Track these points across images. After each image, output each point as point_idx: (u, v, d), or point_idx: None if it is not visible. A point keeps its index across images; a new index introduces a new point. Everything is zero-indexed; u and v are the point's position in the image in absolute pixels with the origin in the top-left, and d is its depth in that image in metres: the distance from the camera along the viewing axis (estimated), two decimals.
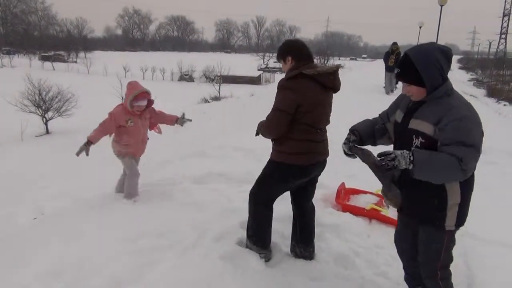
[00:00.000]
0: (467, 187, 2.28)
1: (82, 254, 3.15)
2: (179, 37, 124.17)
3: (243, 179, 4.91)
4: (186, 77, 46.56)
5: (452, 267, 3.18)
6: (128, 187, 4.33)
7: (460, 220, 2.34)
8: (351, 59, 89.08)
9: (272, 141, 3.02)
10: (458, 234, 3.73)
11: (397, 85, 14.90)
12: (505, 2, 65.67)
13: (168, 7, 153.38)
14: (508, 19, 66.34)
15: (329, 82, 2.88)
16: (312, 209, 3.33)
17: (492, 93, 28.09)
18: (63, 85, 16.73)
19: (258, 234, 3.19)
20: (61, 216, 4.10)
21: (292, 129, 2.85)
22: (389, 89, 14.78)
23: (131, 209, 4.09)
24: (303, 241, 3.29)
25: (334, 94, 3.05)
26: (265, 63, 64.49)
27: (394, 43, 14.80)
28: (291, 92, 2.77)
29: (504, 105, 23.01)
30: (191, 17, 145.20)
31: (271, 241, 3.30)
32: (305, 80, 2.78)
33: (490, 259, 3.40)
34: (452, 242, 2.43)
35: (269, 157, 3.09)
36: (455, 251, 3.44)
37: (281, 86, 2.83)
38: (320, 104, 2.88)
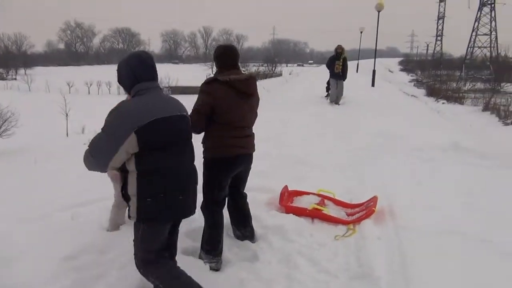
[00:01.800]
0: (144, 180, 2.42)
1: (18, 280, 3.04)
2: (124, 50, 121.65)
3: None
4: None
5: (388, 258, 3.36)
6: (116, 216, 4.00)
7: (142, 213, 2.43)
8: (298, 65, 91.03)
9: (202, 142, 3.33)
10: (394, 226, 3.95)
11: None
12: (439, 6, 69.50)
13: (112, 19, 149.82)
14: (443, 22, 70.18)
15: (242, 88, 3.21)
16: (245, 196, 3.73)
17: (431, 92, 29.55)
18: (1, 104, 15.96)
19: (210, 244, 3.36)
20: None
21: (214, 127, 3.21)
22: (334, 98, 13.45)
23: (70, 226, 3.98)
24: (242, 223, 3.70)
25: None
26: (213, 72, 64.46)
27: (339, 46, 13.20)
28: (206, 95, 3.15)
29: (443, 103, 24.26)
30: (136, 29, 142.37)
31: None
32: (219, 85, 3.15)
33: (425, 248, 3.57)
34: (148, 234, 2.53)
35: (203, 159, 3.36)
36: (391, 244, 3.65)
37: (200, 89, 3.21)
38: (237, 106, 3.21)
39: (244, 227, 3.71)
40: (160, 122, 2.43)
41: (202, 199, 3.35)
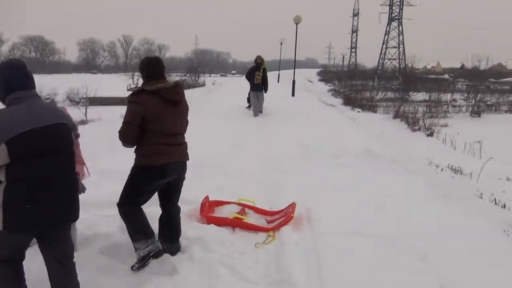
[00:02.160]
0: (10, 191, 2.41)
1: None
2: (37, 58, 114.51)
3: (104, 203, 4.73)
4: (48, 101, 43.08)
5: (305, 263, 3.50)
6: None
7: (8, 223, 2.45)
8: (222, 75, 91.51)
9: (134, 151, 3.38)
10: (311, 231, 4.12)
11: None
12: (353, 20, 73.73)
13: (22, 26, 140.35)
14: (356, 35, 74.49)
15: (169, 96, 3.28)
16: (178, 210, 3.73)
17: (348, 101, 31.21)
18: None
19: (140, 231, 3.42)
20: None
21: (144, 136, 3.25)
22: (256, 112, 13.06)
23: None
24: (170, 237, 3.65)
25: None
26: (134, 82, 62.81)
27: (259, 57, 12.82)
28: (135, 106, 3.19)
29: (358, 111, 25.70)
30: (50, 37, 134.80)
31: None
32: (146, 95, 3.20)
33: (339, 251, 3.76)
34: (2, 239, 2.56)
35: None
36: (308, 248, 3.80)
37: (128, 101, 3.24)
38: (167, 114, 3.27)
39: (171, 243, 3.66)
40: (32, 132, 2.39)
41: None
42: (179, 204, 3.83)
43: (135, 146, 3.36)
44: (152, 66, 3.36)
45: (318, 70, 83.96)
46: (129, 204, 3.42)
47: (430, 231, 4.22)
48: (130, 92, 3.41)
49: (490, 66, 57.37)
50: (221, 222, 4.31)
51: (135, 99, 3.21)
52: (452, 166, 11.12)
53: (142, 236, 3.40)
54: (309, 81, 53.56)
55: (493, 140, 20.06)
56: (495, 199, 8.47)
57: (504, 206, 8.07)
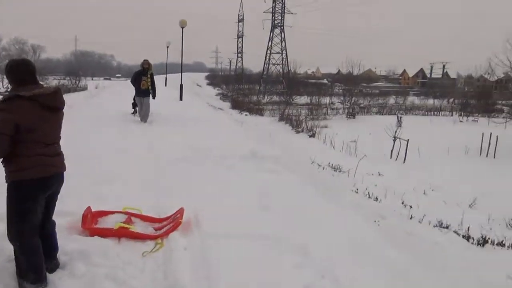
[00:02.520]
0: None
1: None
2: None
3: None
4: None
5: (194, 267, 3.49)
6: None
7: None
8: (105, 78, 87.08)
9: (2, 163, 3.04)
10: (199, 235, 4.13)
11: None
12: (238, 26, 75.55)
13: None
14: (242, 41, 76.46)
15: (49, 102, 3.05)
16: (53, 224, 3.52)
17: (236, 105, 31.94)
18: None
19: (35, 270, 3.12)
20: None
21: (20, 147, 2.95)
22: (143, 117, 12.53)
23: None
24: (48, 254, 3.35)
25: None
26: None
27: (146, 61, 12.37)
28: (7, 114, 2.86)
29: (246, 115, 26.43)
30: None
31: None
32: (22, 101, 2.90)
33: (227, 252, 3.82)
34: None
35: (6, 183, 3.09)
36: (196, 252, 3.80)
37: None
38: (45, 122, 3.04)
39: (50, 259, 3.40)
40: None
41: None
42: (54, 217, 3.56)
43: (3, 160, 3.04)
44: (21, 70, 3.06)
45: (206, 74, 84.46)
46: (25, 232, 3.07)
47: (312, 227, 4.50)
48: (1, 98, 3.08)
49: (362, 71, 63.04)
50: (105, 233, 4.10)
51: (7, 107, 2.90)
52: (332, 164, 11.99)
53: (37, 277, 3.12)
54: (198, 85, 53.64)
55: (366, 139, 22.06)
56: (368, 193, 9.33)
57: (376, 199, 8.94)
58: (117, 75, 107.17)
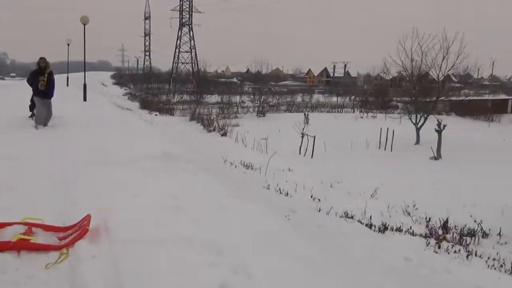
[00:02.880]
0: None
1: None
2: None
3: None
4: None
5: (103, 275, 3.34)
6: None
7: None
8: None
9: None
10: (109, 242, 3.96)
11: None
12: (145, 23, 73.44)
13: None
14: (149, 39, 74.47)
15: None
16: None
17: (145, 105, 31.05)
18: None
19: None
20: None
21: None
22: (42, 121, 11.37)
23: None
24: None
25: None
26: None
27: (42, 59, 11.32)
28: None
29: (156, 115, 25.80)
30: None
31: None
32: None
33: (138, 257, 3.70)
34: None
35: None
36: (107, 260, 3.63)
37: None
38: None
39: None
40: None
41: None
42: None
43: None
44: None
45: (112, 73, 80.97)
46: None
47: (225, 225, 4.53)
48: None
49: (270, 70, 64.71)
50: (2, 247, 3.76)
51: None
52: (244, 162, 12.18)
53: None
54: (103, 84, 51.25)
55: (276, 136, 22.73)
56: (279, 189, 9.64)
57: (287, 194, 9.26)
58: (12, 74, 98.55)
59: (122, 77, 66.01)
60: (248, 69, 71.90)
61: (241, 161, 11.96)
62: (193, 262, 3.63)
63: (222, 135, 18.91)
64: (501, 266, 6.43)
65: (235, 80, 74.63)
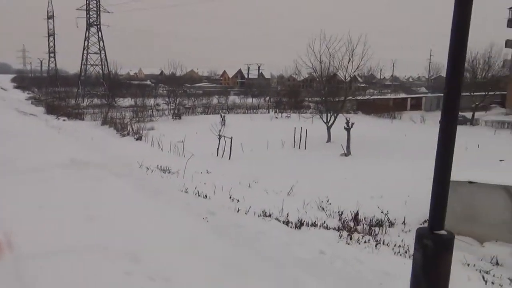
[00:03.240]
0: None
1: None
2: None
3: None
4: None
5: None
6: None
7: None
8: None
9: None
10: (13, 257, 3.66)
11: None
12: (48, 23, 68.84)
13: None
14: (54, 39, 69.88)
15: None
16: None
17: (51, 110, 29.12)
18: None
19: None
20: None
21: None
22: None
23: None
24: None
25: None
26: None
27: None
28: None
29: (64, 120, 24.31)
30: None
31: None
32: None
33: (50, 269, 3.47)
34: None
35: None
36: (9, 275, 3.36)
37: None
38: None
39: None
40: None
41: None
42: None
43: None
44: None
45: (13, 76, 74.91)
46: None
47: (142, 231, 4.40)
48: None
49: (185, 72, 64.01)
50: None
51: None
52: (160, 166, 11.92)
53: None
54: (2, 88, 47.29)
55: (193, 139, 22.54)
56: (198, 191, 9.56)
57: (206, 196, 9.22)
58: None
59: (24, 80, 61.33)
60: (162, 71, 70.42)
61: (157, 165, 11.69)
62: (109, 273, 3.48)
63: (137, 139, 18.36)
64: (406, 252, 6.96)
65: (148, 82, 72.71)
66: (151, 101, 40.13)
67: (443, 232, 2.62)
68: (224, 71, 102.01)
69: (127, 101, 38.33)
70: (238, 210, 7.70)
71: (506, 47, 43.20)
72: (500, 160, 11.25)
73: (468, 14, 2.50)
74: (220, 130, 21.32)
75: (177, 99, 40.03)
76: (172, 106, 38.80)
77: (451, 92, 2.58)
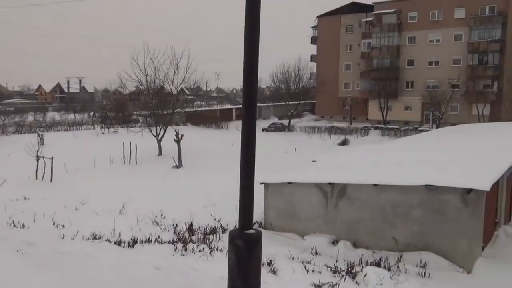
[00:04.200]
0: None
1: None
2: None
3: None
4: None
5: None
6: None
7: None
8: None
9: None
10: None
11: None
12: None
13: None
14: None
15: None
16: None
17: None
18: None
19: None
20: None
21: None
22: None
23: None
24: None
25: None
26: None
27: None
28: None
29: None
30: None
31: None
32: None
33: None
34: None
35: None
36: None
37: None
38: None
39: None
40: None
41: None
42: None
43: None
44: None
45: None
46: None
47: None
48: None
49: None
50: None
51: None
52: None
53: None
54: None
55: (5, 162, 19.96)
56: (13, 221, 8.50)
57: (23, 226, 8.25)
58: None
59: None
60: None
61: None
62: None
63: None
64: None
65: None
66: None
67: (251, 231, 2.88)
68: (40, 85, 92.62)
69: None
70: (64, 236, 7.11)
71: (311, 61, 49.46)
72: (313, 161, 12.73)
73: (257, 36, 2.76)
74: (38, 151, 19.27)
75: None
76: None
77: (248, 101, 2.78)
